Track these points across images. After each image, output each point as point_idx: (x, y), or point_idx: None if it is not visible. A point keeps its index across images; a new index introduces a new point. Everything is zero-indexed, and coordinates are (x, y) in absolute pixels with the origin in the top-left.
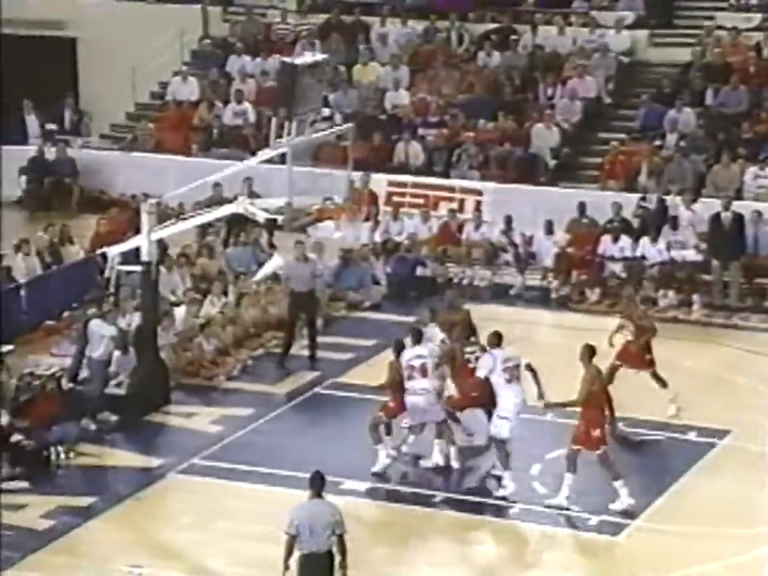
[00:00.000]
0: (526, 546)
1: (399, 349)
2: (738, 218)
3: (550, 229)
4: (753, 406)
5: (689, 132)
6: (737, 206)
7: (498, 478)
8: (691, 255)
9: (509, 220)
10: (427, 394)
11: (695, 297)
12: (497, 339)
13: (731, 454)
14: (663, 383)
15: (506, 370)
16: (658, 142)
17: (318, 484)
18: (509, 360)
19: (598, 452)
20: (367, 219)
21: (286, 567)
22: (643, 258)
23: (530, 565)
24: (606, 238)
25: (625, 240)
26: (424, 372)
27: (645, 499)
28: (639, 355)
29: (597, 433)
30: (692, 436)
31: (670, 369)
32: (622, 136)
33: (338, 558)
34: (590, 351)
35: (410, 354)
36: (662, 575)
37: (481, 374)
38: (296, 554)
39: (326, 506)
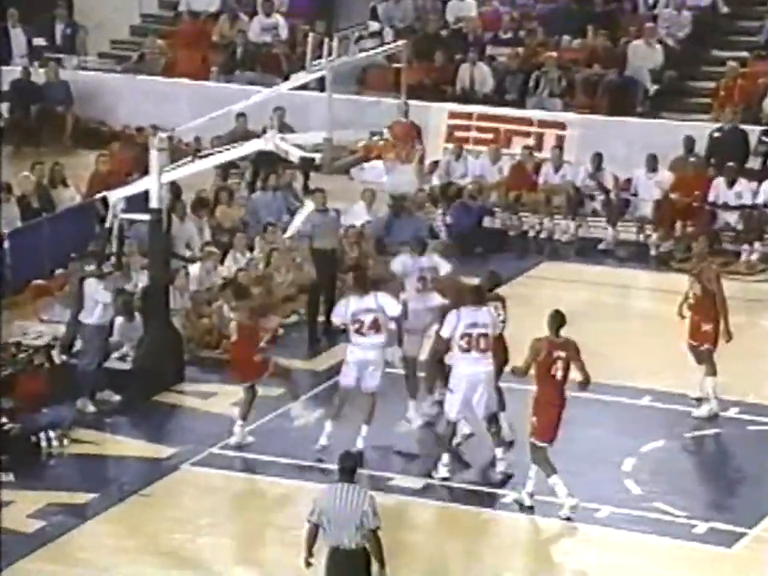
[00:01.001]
0: (618, 558)
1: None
2: None
3: (653, 165)
4: None
5: None
6: None
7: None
8: None
9: (598, 159)
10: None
11: None
12: (476, 295)
13: None
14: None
15: (464, 337)
16: None
17: (349, 466)
18: (474, 326)
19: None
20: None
21: (308, 561)
22: (766, 206)
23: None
24: (720, 182)
25: (743, 184)
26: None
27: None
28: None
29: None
30: None
31: None
32: (743, 54)
33: (373, 560)
34: (558, 321)
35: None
36: None
37: (443, 333)
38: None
39: (356, 495)
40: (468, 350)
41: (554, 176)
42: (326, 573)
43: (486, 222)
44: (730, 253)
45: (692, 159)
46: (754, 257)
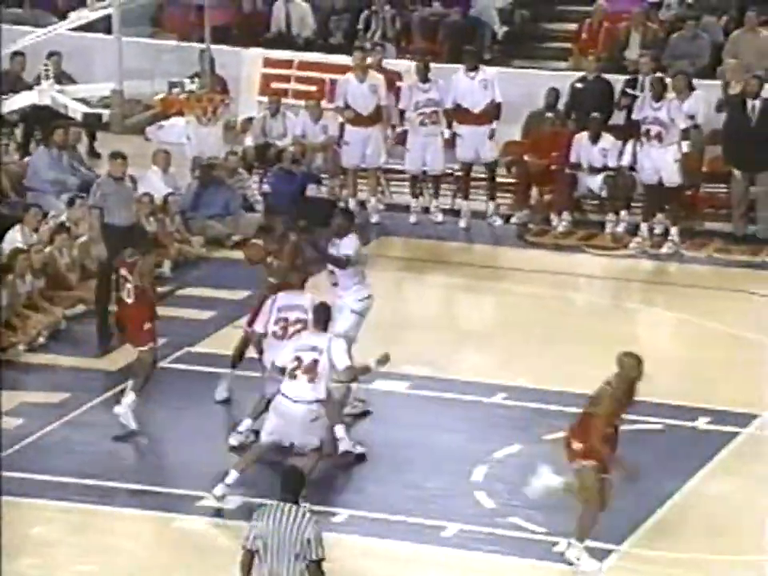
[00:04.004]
0: None
1: None
2: None
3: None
4: None
5: None
6: None
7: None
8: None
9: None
10: None
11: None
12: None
13: (757, 446)
14: None
15: (278, 321)
16: None
17: (293, 484)
18: (287, 309)
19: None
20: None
21: None
22: (631, 169)
23: None
24: (582, 137)
25: (608, 140)
26: None
27: (634, 516)
28: None
29: None
30: (703, 423)
31: (669, 327)
32: None
33: None
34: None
35: None
36: None
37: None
38: None
39: (298, 518)
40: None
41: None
42: None
43: (311, 190)
44: (593, 224)
45: (549, 115)
46: (620, 228)
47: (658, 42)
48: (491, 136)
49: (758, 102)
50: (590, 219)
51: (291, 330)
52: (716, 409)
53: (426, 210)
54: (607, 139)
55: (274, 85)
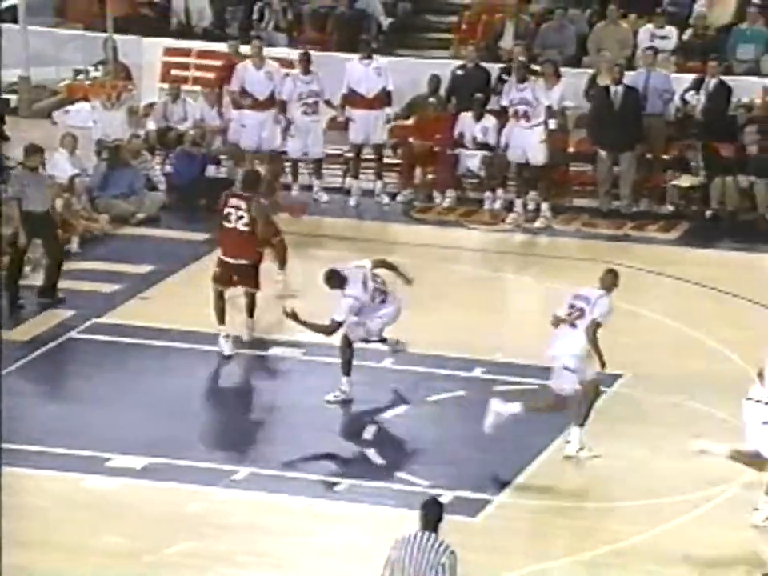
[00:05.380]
0: (362, 534)
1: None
2: (633, 94)
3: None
4: (651, 342)
5: None
6: (630, 77)
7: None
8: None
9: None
10: None
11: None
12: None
13: (621, 404)
14: None
15: None
16: None
17: (432, 512)
18: None
19: None
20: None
21: None
22: (505, 149)
23: (356, 554)
24: (466, 116)
25: (489, 119)
26: None
27: (511, 468)
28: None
29: None
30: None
31: (540, 296)
32: None
33: None
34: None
35: None
36: (529, 567)
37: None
38: None
39: (435, 545)
40: None
41: None
42: None
43: (211, 171)
44: (473, 201)
45: (432, 100)
46: (497, 205)
47: (530, 32)
48: (388, 121)
49: (620, 88)
50: (470, 197)
51: None
52: None
53: (309, 188)
54: (489, 119)
55: (174, 72)
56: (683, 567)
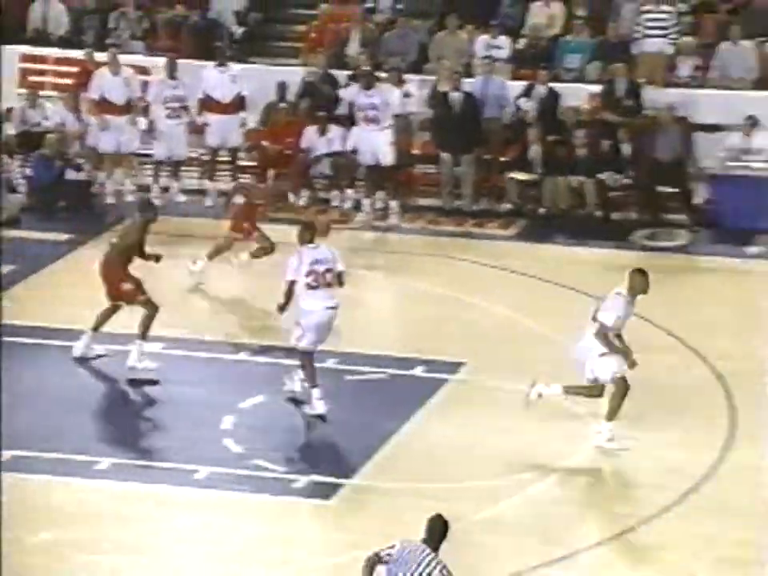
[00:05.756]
0: (219, 518)
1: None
2: (471, 100)
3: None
4: (491, 333)
5: None
6: (469, 84)
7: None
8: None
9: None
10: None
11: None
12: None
13: (465, 390)
14: None
15: (310, 274)
16: (369, 4)
17: (437, 531)
18: (318, 262)
19: None
20: None
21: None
22: (353, 152)
23: (213, 539)
24: (312, 130)
25: (334, 131)
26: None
27: (363, 453)
28: None
29: None
30: (419, 371)
31: (389, 290)
32: None
33: None
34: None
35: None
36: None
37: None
38: None
39: (432, 562)
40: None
41: None
42: None
43: (70, 174)
44: (324, 201)
45: (283, 105)
46: (347, 204)
47: (374, 40)
48: (243, 124)
49: (459, 95)
50: (321, 197)
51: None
52: (429, 359)
53: (166, 190)
54: (332, 130)
55: (32, 78)
56: (526, 537)
